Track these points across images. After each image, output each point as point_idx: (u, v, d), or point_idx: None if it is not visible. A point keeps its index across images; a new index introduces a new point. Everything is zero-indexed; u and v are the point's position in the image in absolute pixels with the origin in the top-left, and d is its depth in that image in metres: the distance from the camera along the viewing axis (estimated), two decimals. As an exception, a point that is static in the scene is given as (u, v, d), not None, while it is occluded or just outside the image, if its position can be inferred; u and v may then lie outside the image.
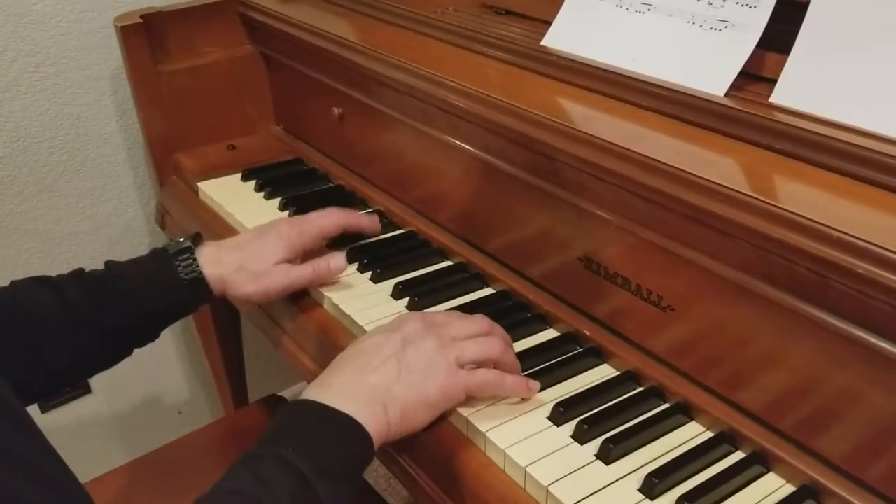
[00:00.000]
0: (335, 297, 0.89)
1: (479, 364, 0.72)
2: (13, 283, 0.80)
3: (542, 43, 0.90)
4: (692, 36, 0.78)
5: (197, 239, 0.88)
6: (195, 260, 0.85)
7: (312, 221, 0.92)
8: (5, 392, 0.53)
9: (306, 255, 0.92)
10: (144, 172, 1.39)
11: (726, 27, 0.76)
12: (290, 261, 0.88)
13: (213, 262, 0.86)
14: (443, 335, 0.72)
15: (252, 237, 0.90)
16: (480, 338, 0.73)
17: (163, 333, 0.88)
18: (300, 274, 0.88)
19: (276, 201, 1.10)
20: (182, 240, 0.87)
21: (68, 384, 0.79)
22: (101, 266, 0.85)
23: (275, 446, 0.62)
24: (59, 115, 1.28)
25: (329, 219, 0.93)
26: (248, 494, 0.58)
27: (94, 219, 1.37)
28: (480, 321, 0.76)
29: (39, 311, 0.78)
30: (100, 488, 0.95)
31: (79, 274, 0.83)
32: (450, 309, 0.85)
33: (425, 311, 0.84)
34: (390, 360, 0.69)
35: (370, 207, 1.09)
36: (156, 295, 0.83)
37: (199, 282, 0.85)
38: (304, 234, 0.90)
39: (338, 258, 0.90)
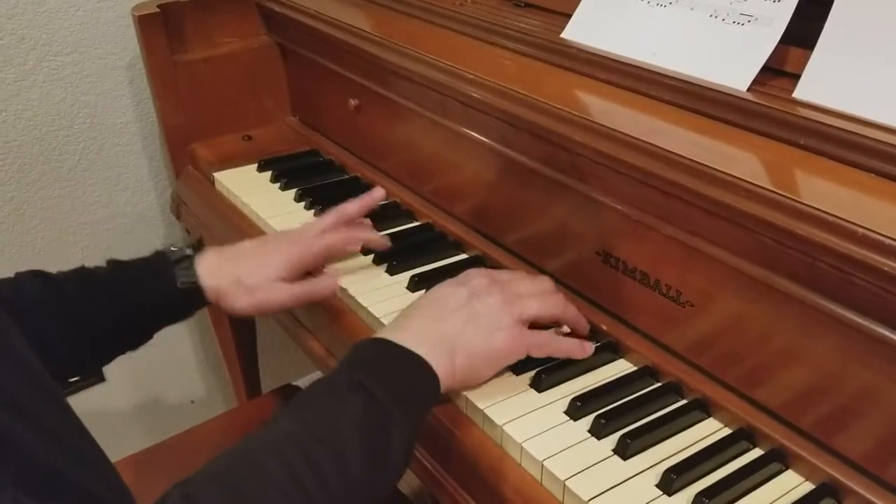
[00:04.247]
0: (351, 288, 0.89)
1: (542, 320, 0.75)
2: (17, 275, 0.81)
3: (562, 36, 0.89)
4: (715, 30, 0.78)
5: (198, 246, 0.88)
6: (194, 269, 0.85)
7: (320, 241, 0.89)
8: (38, 367, 0.54)
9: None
10: (160, 162, 1.39)
11: (749, 21, 0.75)
12: (287, 280, 0.86)
13: (212, 272, 0.85)
14: (507, 291, 0.74)
15: (255, 248, 0.88)
16: (543, 296, 0.76)
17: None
18: (293, 293, 0.86)
19: (292, 192, 1.10)
20: (184, 246, 0.87)
21: (65, 377, 0.80)
22: (112, 256, 0.86)
23: (348, 372, 0.65)
24: (76, 104, 1.28)
25: (337, 238, 0.90)
26: (321, 407, 0.61)
27: (110, 208, 1.37)
28: (544, 281, 0.78)
29: (38, 303, 0.79)
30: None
31: (79, 271, 0.84)
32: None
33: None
34: (459, 311, 0.72)
35: (386, 199, 1.08)
36: (151, 300, 0.84)
37: (195, 291, 0.85)
38: (306, 254, 0.87)
39: (329, 281, 0.88)
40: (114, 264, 0.86)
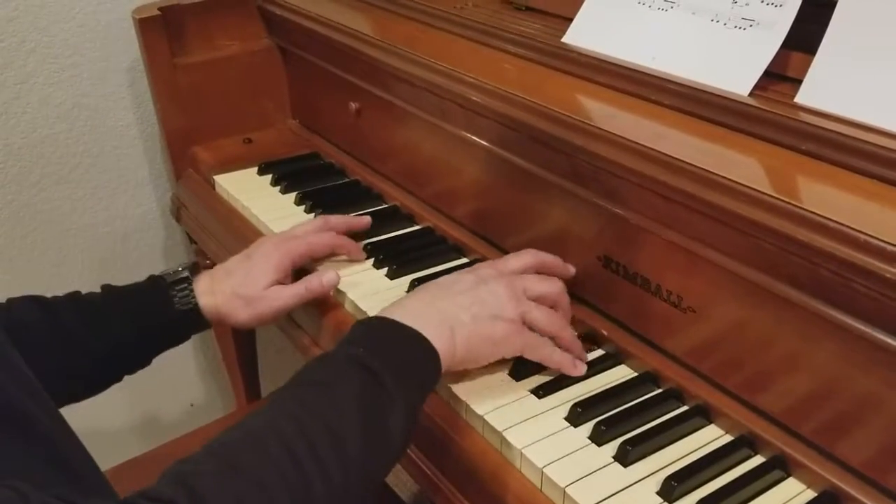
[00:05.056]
0: (351, 292, 0.89)
1: (540, 330, 0.74)
2: (10, 301, 0.81)
3: (563, 40, 0.89)
4: (716, 34, 0.77)
5: (194, 269, 0.88)
6: (192, 291, 0.85)
7: (301, 239, 0.90)
8: (28, 373, 0.54)
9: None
10: (160, 165, 1.39)
11: (751, 26, 0.75)
12: (280, 281, 0.87)
13: (208, 292, 0.86)
14: (516, 286, 0.74)
15: (240, 261, 0.89)
16: (546, 309, 0.75)
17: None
18: (292, 294, 0.87)
19: (293, 196, 1.10)
20: (180, 269, 0.87)
21: (59, 405, 0.80)
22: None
23: (346, 348, 0.65)
24: (76, 107, 1.28)
25: (320, 238, 0.92)
26: (319, 384, 0.61)
27: (110, 211, 1.37)
28: (554, 283, 0.77)
29: (33, 330, 0.78)
30: (110, 479, 0.95)
31: (75, 297, 0.84)
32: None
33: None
34: (463, 294, 0.72)
35: (386, 203, 1.08)
36: (150, 324, 0.84)
37: (195, 312, 0.85)
38: (291, 252, 0.88)
39: (329, 274, 0.88)
40: (109, 290, 0.86)
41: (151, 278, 0.87)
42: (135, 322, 0.83)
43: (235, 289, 0.85)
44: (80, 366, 0.80)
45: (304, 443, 0.56)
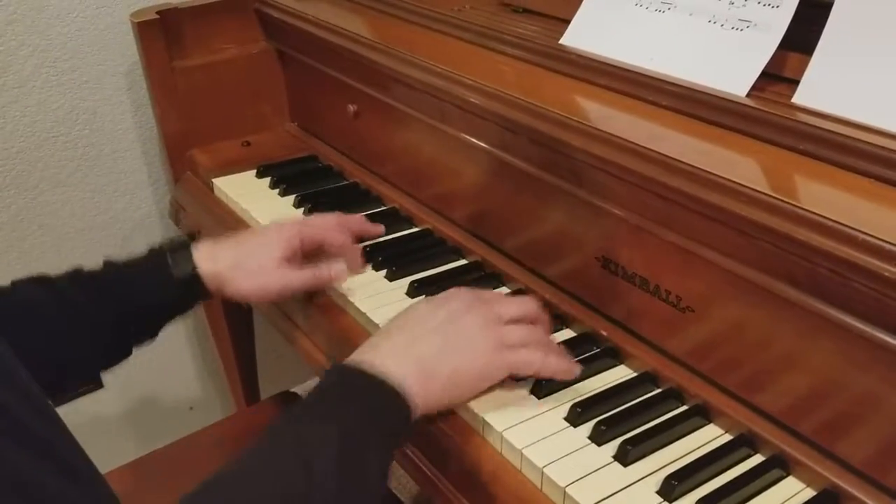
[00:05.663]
0: (351, 295, 0.89)
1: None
2: (13, 283, 0.80)
3: (561, 41, 0.89)
4: (713, 35, 0.78)
5: (194, 237, 0.88)
6: (191, 258, 0.84)
7: (317, 227, 0.90)
8: (24, 376, 0.54)
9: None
10: (159, 168, 1.39)
11: (748, 27, 0.75)
12: (288, 260, 0.87)
13: (209, 258, 0.85)
14: (488, 314, 0.73)
15: (250, 235, 0.89)
16: (523, 327, 0.74)
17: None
18: (300, 276, 0.86)
19: (291, 198, 1.10)
20: (180, 239, 0.87)
21: (73, 383, 0.79)
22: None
23: (318, 400, 0.65)
24: (75, 111, 1.28)
25: (336, 237, 0.91)
26: (294, 453, 0.60)
27: (109, 214, 1.37)
28: (528, 304, 0.77)
29: (39, 309, 0.78)
30: (110, 482, 0.95)
31: (76, 272, 0.83)
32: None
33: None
34: (435, 332, 0.70)
35: (385, 205, 1.08)
36: (150, 292, 0.83)
37: (194, 279, 0.84)
38: (304, 234, 0.88)
39: (339, 266, 0.88)
40: (110, 263, 0.85)
41: (150, 249, 0.86)
42: (134, 293, 0.82)
43: (241, 260, 0.85)
44: (89, 340, 0.80)
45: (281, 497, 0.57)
